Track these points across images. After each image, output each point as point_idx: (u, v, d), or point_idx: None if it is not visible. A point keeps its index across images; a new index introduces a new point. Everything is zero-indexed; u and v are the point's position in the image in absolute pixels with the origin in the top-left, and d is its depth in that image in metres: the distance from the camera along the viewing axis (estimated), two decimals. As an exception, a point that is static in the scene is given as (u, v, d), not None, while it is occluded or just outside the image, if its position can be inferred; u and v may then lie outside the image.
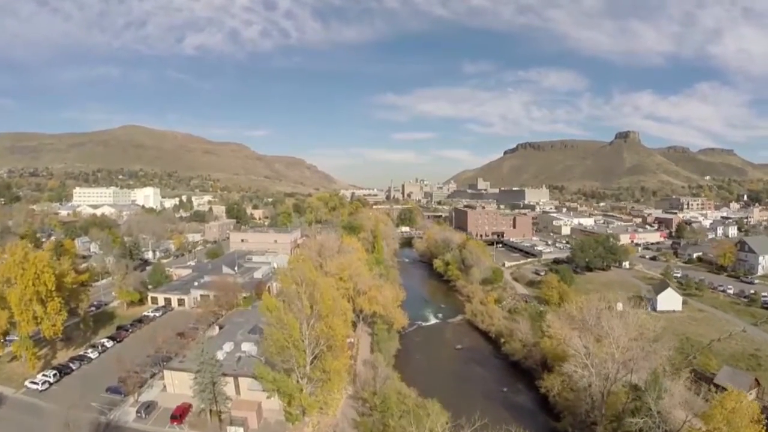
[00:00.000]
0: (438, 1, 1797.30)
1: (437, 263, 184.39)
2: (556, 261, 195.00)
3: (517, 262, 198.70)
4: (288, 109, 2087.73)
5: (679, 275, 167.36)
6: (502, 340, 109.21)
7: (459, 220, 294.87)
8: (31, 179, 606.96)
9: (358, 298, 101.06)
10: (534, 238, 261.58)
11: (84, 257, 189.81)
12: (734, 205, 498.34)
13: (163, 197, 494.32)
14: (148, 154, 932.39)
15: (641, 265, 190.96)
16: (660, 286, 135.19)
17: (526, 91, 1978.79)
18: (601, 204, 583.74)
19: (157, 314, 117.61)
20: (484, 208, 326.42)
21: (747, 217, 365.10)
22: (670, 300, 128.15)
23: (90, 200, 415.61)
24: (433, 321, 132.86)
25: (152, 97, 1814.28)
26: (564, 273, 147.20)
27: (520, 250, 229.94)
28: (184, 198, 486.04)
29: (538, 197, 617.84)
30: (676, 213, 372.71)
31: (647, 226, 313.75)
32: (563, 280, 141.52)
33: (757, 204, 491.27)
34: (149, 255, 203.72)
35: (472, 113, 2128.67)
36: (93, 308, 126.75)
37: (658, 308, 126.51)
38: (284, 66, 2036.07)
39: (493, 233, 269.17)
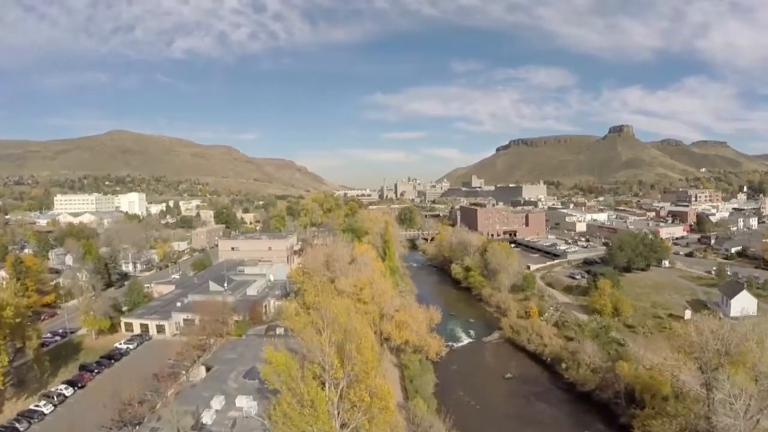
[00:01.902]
0: (427, 1, 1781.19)
1: (456, 269, 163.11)
2: (587, 262, 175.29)
3: (543, 264, 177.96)
4: (277, 112, 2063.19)
5: (729, 273, 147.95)
6: (563, 365, 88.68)
7: (466, 219, 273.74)
8: (15, 188, 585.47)
9: (383, 324, 79.37)
10: (550, 237, 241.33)
11: (58, 272, 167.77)
12: (741, 197, 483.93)
13: (149, 203, 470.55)
14: (136, 159, 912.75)
15: (680, 263, 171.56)
16: (730, 288, 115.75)
17: (516, 89, 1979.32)
18: (600, 198, 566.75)
19: (131, 346, 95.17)
20: (494, 206, 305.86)
21: (759, 208, 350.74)
22: (745, 304, 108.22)
23: (72, 208, 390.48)
24: (465, 340, 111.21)
25: (141, 102, 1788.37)
26: (612, 277, 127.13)
27: (539, 251, 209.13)
28: (171, 203, 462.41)
29: (536, 193, 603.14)
30: (687, 205, 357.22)
31: (662, 220, 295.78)
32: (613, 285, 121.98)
33: (761, 195, 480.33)
34: (129, 267, 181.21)
35: (461, 111, 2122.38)
36: (57, 338, 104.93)
37: (732, 314, 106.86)
38: (273, 68, 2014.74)
39: (504, 232, 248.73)
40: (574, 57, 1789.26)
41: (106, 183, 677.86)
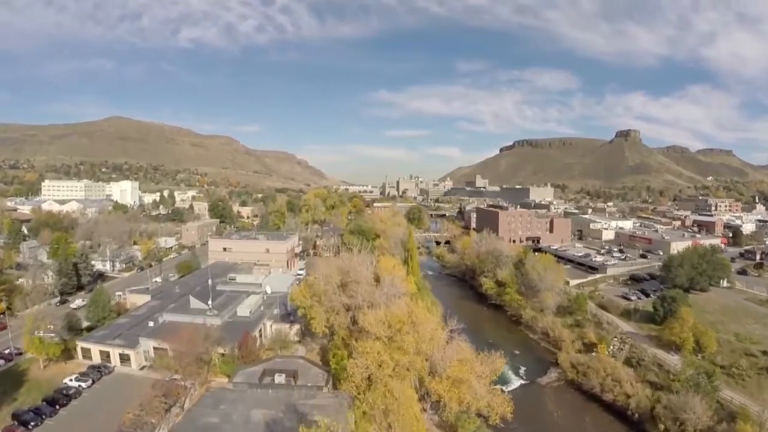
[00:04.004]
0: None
1: (486, 283, 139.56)
2: (635, 278, 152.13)
3: (584, 279, 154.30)
4: (280, 105, 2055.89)
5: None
6: (661, 426, 66.37)
7: (484, 222, 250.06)
8: (10, 172, 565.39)
9: (433, 383, 55.50)
10: (578, 245, 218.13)
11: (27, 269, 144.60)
12: (761, 207, 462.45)
13: (143, 192, 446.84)
14: (134, 147, 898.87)
15: (739, 283, 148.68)
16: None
17: (519, 90, 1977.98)
18: (610, 204, 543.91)
19: (84, 384, 71.61)
20: (516, 207, 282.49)
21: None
22: None
23: (60, 195, 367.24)
24: (516, 382, 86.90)
25: (144, 91, 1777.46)
26: (683, 300, 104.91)
27: (571, 261, 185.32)
28: (165, 193, 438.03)
29: (543, 195, 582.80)
30: (711, 215, 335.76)
31: (690, 231, 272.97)
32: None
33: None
34: (107, 266, 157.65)
35: (464, 111, 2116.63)
36: (1, 362, 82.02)
37: None
38: (278, 61, 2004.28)
39: (527, 238, 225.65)
40: (579, 60, 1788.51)
41: (103, 170, 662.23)
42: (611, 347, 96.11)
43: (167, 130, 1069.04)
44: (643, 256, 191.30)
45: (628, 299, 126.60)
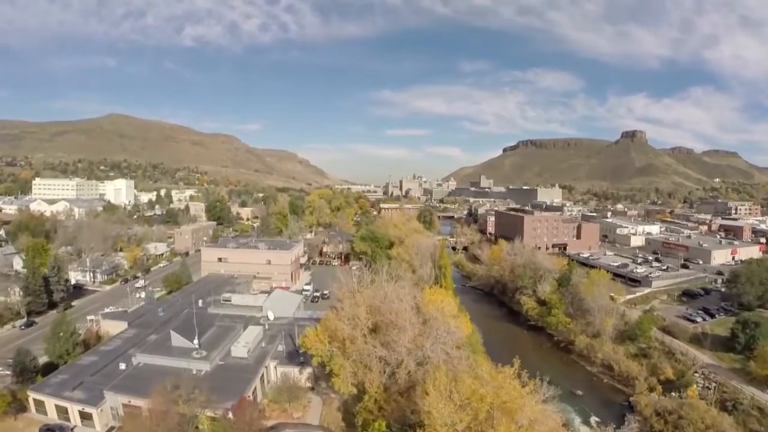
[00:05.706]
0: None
1: (527, 303, 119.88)
2: (689, 294, 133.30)
3: (632, 295, 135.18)
4: (282, 103, 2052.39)
5: None
6: None
7: (504, 227, 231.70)
8: (6, 169, 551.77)
9: None
10: (609, 253, 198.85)
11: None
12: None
13: (140, 191, 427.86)
14: (134, 145, 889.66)
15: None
16: None
17: (522, 91, 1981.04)
18: (619, 206, 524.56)
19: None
20: (541, 212, 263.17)
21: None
22: None
23: (50, 193, 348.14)
24: None
25: (145, 89, 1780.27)
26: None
27: (606, 272, 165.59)
28: (162, 192, 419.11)
29: (551, 196, 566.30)
30: (735, 219, 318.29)
31: (721, 236, 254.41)
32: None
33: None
34: (87, 277, 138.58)
35: (466, 111, 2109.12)
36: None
37: None
38: (281, 60, 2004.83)
39: (554, 245, 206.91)
40: (582, 62, 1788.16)
41: (101, 168, 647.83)
42: (694, 385, 77.70)
43: (167, 128, 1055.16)
44: (684, 266, 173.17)
45: (693, 321, 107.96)
